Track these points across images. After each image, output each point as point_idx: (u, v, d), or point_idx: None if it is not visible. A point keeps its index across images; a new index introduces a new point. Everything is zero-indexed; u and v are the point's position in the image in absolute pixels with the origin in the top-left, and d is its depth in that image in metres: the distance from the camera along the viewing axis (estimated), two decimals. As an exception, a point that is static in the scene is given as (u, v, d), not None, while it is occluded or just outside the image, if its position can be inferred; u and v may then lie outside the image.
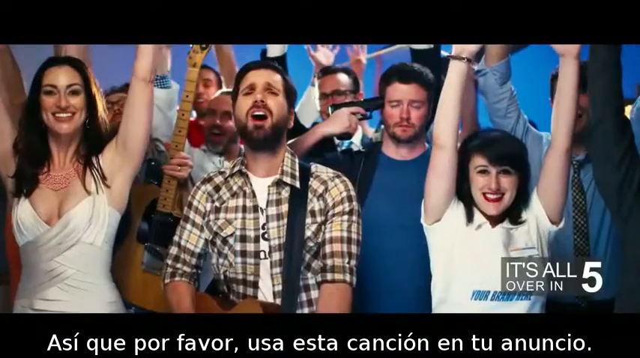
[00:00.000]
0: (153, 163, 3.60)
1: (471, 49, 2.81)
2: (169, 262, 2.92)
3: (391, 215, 3.12)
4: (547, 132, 3.66)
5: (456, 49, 2.82)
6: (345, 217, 2.80)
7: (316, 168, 2.89)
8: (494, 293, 2.81)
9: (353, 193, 2.84)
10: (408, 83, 3.20)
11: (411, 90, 3.20)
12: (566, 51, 2.78)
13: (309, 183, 2.83)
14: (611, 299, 3.29)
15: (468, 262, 2.84)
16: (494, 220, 2.87)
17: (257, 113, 2.80)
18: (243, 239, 2.81)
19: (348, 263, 2.76)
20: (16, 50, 3.31)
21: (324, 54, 4.35)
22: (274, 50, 3.58)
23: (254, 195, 2.83)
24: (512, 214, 2.87)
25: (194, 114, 4.36)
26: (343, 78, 3.93)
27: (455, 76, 2.81)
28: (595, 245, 3.39)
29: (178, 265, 2.90)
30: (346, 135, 3.40)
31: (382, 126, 3.53)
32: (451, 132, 2.82)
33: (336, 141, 3.63)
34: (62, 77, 2.90)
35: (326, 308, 2.72)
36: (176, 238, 2.93)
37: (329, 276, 2.75)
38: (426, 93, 3.21)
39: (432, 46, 3.48)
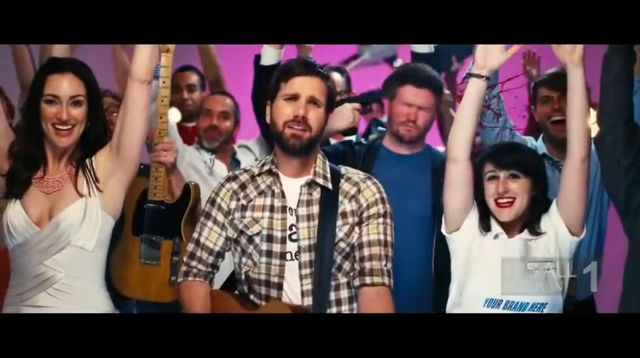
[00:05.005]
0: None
1: (492, 66, 2.85)
2: (185, 259, 2.87)
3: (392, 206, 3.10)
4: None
5: (477, 64, 2.85)
6: (381, 220, 2.80)
7: (347, 170, 2.88)
8: (506, 302, 2.86)
9: (385, 195, 2.84)
10: (421, 88, 3.28)
11: (423, 94, 3.29)
12: (570, 61, 2.80)
13: (340, 184, 2.81)
14: (586, 300, 3.44)
15: (484, 270, 2.90)
16: (512, 230, 2.93)
17: (296, 126, 2.74)
18: (270, 239, 2.78)
19: (386, 265, 2.77)
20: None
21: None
22: (269, 58, 3.41)
23: (283, 195, 2.80)
24: (531, 224, 2.92)
25: (179, 116, 4.29)
26: (337, 78, 3.86)
27: (474, 92, 2.87)
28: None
29: (193, 263, 2.85)
30: (352, 130, 3.39)
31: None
32: (465, 146, 2.88)
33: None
34: (65, 87, 2.80)
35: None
36: (195, 235, 2.87)
37: (368, 280, 2.75)
38: (436, 99, 3.32)
39: (432, 49, 3.56)
